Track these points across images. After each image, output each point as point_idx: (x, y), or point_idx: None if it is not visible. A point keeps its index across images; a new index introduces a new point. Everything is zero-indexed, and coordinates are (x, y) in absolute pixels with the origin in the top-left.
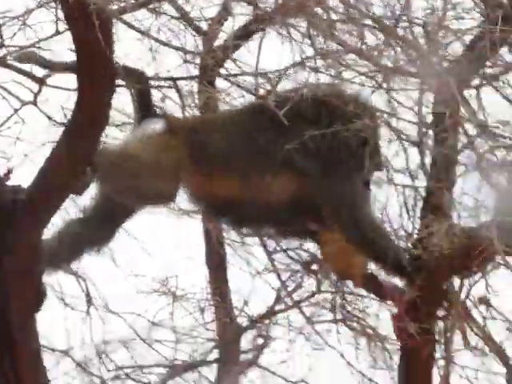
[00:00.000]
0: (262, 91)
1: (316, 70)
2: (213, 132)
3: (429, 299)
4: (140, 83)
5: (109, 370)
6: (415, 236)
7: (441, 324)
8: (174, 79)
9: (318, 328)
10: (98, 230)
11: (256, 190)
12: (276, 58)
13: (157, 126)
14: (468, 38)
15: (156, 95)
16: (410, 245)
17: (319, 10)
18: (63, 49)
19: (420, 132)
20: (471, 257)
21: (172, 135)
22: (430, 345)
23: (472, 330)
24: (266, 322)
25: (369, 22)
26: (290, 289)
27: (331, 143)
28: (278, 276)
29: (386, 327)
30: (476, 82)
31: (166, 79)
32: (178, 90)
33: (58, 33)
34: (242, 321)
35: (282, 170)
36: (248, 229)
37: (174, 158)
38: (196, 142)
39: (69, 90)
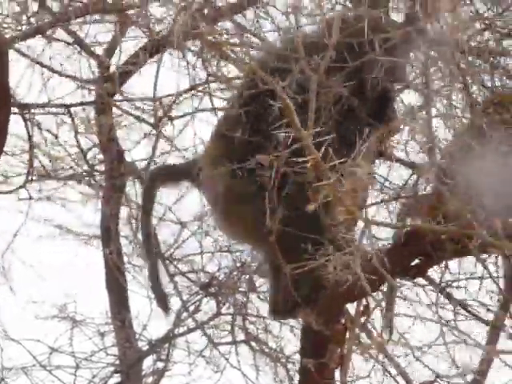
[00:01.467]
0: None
1: (209, 94)
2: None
3: (326, 324)
4: None
5: None
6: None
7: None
8: (66, 106)
9: (219, 350)
10: None
11: None
12: (172, 83)
13: None
14: None
15: (51, 121)
16: None
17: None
18: None
19: None
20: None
21: None
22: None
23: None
24: (166, 345)
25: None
26: (190, 311)
27: None
28: (180, 298)
29: (289, 347)
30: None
31: (58, 106)
32: (72, 117)
33: None
34: (143, 345)
35: None
36: None
37: None
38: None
39: None
